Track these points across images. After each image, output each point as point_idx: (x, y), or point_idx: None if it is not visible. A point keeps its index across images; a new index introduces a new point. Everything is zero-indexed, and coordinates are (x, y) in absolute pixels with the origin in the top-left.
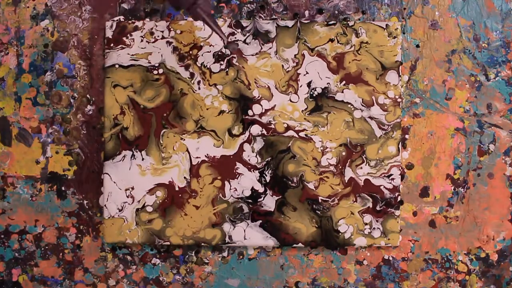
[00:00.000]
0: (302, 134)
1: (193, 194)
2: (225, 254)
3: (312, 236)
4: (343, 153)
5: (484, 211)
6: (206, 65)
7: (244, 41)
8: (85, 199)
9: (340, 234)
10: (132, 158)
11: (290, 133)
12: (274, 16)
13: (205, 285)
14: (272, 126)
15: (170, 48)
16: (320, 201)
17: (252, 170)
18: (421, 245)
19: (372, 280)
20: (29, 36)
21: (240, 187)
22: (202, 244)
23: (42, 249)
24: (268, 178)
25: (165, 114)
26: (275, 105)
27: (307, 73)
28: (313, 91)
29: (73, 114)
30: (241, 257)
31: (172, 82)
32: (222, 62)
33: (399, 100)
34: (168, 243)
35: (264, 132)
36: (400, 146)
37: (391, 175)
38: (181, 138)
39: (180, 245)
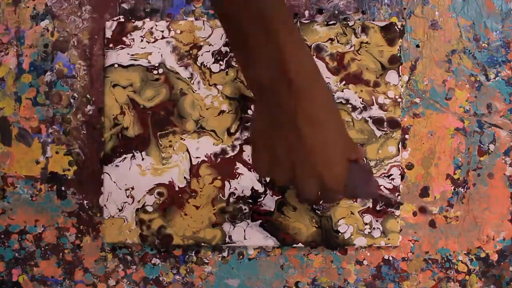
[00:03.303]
0: None
1: (193, 194)
2: (225, 254)
3: (312, 236)
4: None
5: (484, 211)
6: (206, 65)
7: None
8: (85, 199)
9: (340, 234)
10: (132, 158)
11: None
12: None
13: (205, 285)
14: None
15: (170, 48)
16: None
17: (252, 170)
18: (421, 245)
19: (372, 280)
20: (29, 36)
21: (240, 187)
22: (202, 244)
23: (42, 249)
24: (267, 178)
25: (162, 113)
26: None
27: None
28: None
29: (73, 114)
30: (241, 257)
31: (172, 82)
32: (221, 62)
33: (399, 100)
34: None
35: None
36: (400, 146)
37: (391, 175)
38: (181, 138)
39: (180, 245)
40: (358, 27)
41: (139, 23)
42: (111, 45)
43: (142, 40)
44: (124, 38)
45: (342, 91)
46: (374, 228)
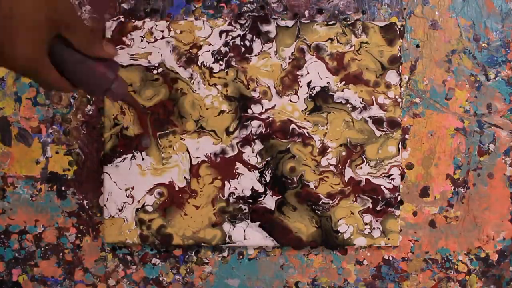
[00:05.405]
0: (303, 131)
1: (193, 194)
2: (225, 254)
3: (312, 236)
4: (343, 153)
5: (484, 211)
6: (206, 65)
7: (244, 40)
8: (85, 199)
9: (340, 234)
10: (132, 158)
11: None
12: (274, 16)
13: (205, 285)
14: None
15: (170, 48)
16: (320, 203)
17: (252, 170)
18: (421, 245)
19: (372, 280)
20: None
21: (240, 187)
22: (202, 244)
23: (42, 249)
24: (268, 178)
25: (162, 112)
26: (275, 105)
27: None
28: (312, 91)
29: (73, 114)
30: (241, 257)
31: (172, 82)
32: (221, 62)
33: (399, 100)
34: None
35: (262, 130)
36: (400, 146)
37: (391, 175)
38: (181, 138)
39: (180, 245)
40: (359, 27)
41: (139, 23)
42: None
43: (142, 40)
44: (124, 38)
45: (342, 91)
46: (374, 228)
